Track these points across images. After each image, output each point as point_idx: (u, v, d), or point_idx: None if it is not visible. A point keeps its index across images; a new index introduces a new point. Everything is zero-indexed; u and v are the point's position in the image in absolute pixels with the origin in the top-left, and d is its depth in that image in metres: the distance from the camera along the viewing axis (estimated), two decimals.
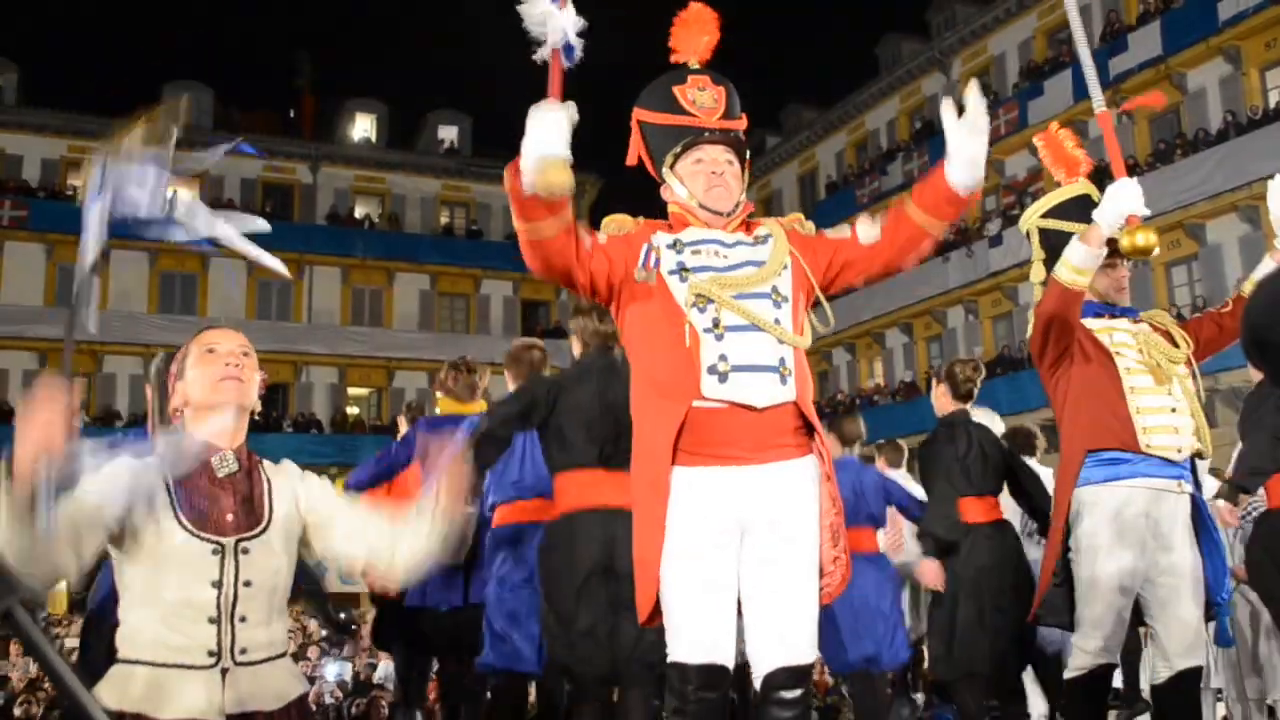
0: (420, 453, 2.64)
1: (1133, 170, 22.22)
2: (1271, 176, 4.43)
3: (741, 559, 3.01)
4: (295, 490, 2.75)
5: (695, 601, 2.96)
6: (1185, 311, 20.55)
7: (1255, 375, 4.82)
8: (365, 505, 2.82)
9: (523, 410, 4.33)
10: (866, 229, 3.21)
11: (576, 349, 4.52)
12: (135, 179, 2.49)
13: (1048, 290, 4.11)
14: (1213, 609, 4.19)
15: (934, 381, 5.58)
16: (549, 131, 2.73)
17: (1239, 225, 22.05)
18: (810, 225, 3.32)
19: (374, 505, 2.82)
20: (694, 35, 3.33)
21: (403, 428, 6.67)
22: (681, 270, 3.06)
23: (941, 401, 5.51)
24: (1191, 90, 23.12)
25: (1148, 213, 3.87)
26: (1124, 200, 3.84)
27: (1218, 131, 21.93)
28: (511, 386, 4.99)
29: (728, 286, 3.03)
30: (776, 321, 3.04)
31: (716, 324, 2.99)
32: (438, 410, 5.74)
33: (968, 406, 5.49)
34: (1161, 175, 21.49)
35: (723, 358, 2.97)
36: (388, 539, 2.73)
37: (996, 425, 6.42)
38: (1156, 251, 3.91)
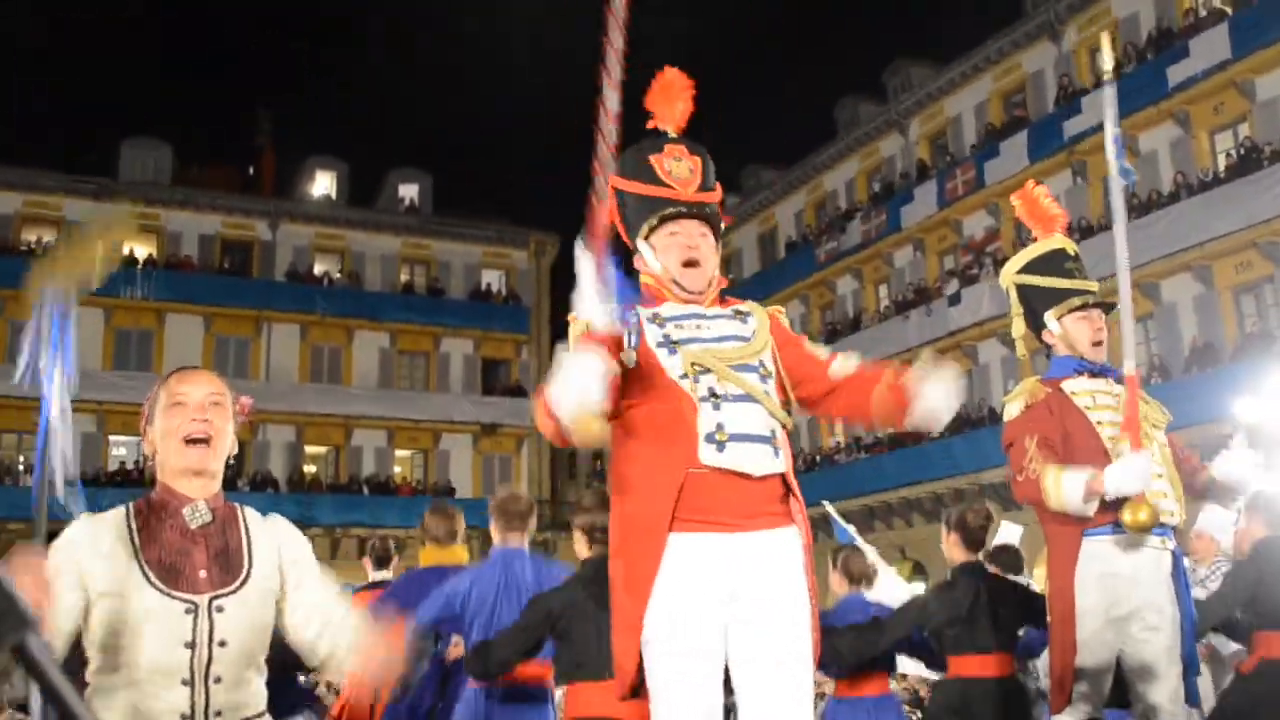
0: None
1: (1089, 232, 22.59)
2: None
3: (731, 629, 2.93)
4: (280, 543, 2.64)
5: (682, 670, 2.87)
6: (1143, 370, 20.68)
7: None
8: (338, 591, 2.71)
9: (533, 642, 4.18)
10: (841, 363, 3.17)
11: (582, 549, 4.33)
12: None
13: (1028, 485, 4.05)
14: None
15: (944, 530, 5.15)
16: (586, 382, 2.62)
17: (1193, 285, 22.40)
18: (784, 317, 3.32)
19: (345, 599, 2.71)
20: (671, 102, 3.31)
21: (367, 569, 6.46)
22: (670, 343, 3.02)
23: (953, 552, 5.10)
24: (1143, 153, 23.50)
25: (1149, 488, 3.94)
26: (1135, 479, 3.86)
27: (1169, 193, 22.29)
28: (495, 536, 4.83)
29: (720, 358, 3.01)
30: (768, 394, 3.03)
31: (713, 393, 2.96)
32: (420, 559, 5.44)
33: (979, 556, 5.12)
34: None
35: (720, 426, 2.93)
36: (345, 633, 2.64)
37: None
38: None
